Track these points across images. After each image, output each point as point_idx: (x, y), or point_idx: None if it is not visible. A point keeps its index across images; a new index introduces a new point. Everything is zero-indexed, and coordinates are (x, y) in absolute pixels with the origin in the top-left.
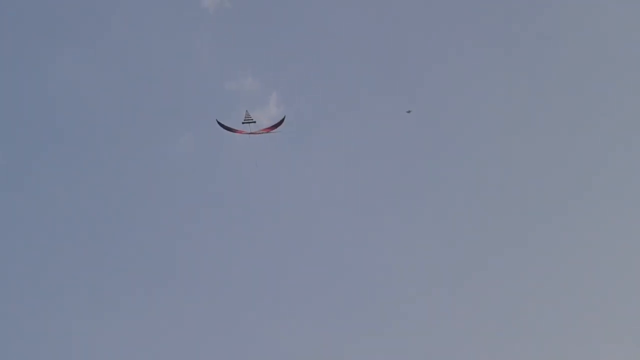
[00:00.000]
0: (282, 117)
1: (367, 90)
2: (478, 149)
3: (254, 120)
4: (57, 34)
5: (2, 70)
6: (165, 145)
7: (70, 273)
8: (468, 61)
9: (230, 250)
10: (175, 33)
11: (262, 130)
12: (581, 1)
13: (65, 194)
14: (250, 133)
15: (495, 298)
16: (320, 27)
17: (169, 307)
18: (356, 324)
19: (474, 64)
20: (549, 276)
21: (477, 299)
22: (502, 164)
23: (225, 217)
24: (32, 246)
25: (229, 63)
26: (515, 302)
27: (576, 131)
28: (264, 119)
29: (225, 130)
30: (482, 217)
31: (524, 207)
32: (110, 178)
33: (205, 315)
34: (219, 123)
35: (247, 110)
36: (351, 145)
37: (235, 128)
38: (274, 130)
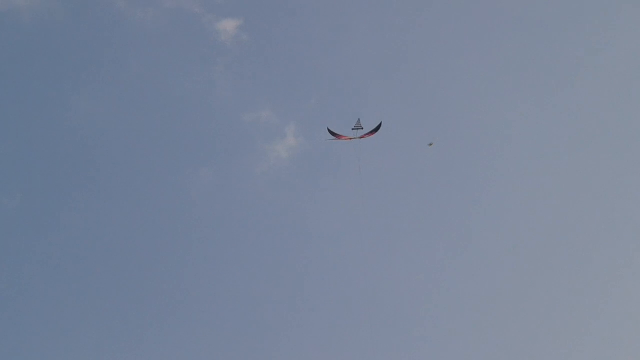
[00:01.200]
0: (379, 122)
1: (386, 121)
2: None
3: (362, 127)
4: (74, 70)
5: (21, 110)
6: (182, 180)
7: (90, 306)
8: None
9: (247, 284)
10: (191, 67)
11: (365, 135)
12: None
13: (83, 230)
14: (356, 138)
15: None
16: (338, 58)
17: (187, 342)
18: None
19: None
20: None
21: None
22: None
23: (243, 253)
24: (50, 283)
25: (246, 96)
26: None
27: None
28: (283, 151)
29: (328, 138)
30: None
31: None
32: (128, 213)
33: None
34: (329, 130)
35: (359, 118)
36: (370, 179)
37: (342, 135)
38: (374, 135)
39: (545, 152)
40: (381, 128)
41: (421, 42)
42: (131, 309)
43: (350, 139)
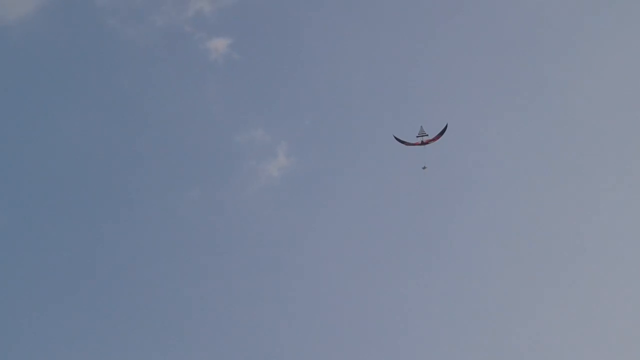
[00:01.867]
0: (445, 124)
1: (377, 142)
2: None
3: (427, 134)
4: (65, 88)
5: (10, 127)
6: (171, 200)
7: (75, 322)
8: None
9: (234, 302)
10: (182, 85)
11: (431, 140)
12: None
13: (70, 247)
14: (422, 144)
15: None
16: (330, 77)
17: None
18: None
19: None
20: None
21: None
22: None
23: (231, 272)
24: (37, 299)
25: (237, 115)
26: None
27: None
28: (274, 170)
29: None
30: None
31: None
32: (117, 231)
33: None
34: (395, 137)
35: (421, 126)
36: (361, 198)
37: (409, 141)
38: (439, 139)
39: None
40: (446, 131)
41: (414, 60)
42: (116, 330)
43: (417, 144)
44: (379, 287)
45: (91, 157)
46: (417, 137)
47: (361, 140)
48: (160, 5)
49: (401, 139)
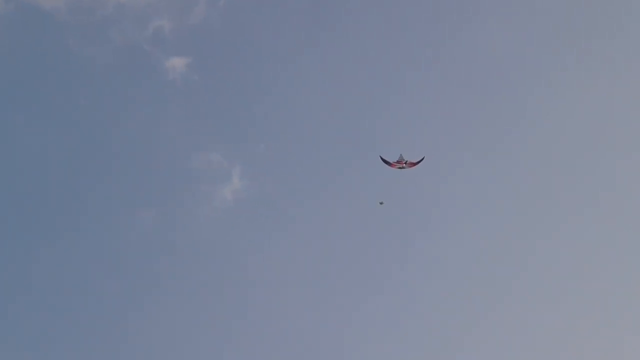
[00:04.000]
0: (423, 157)
1: (331, 169)
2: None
3: (405, 160)
4: (21, 106)
5: None
6: (122, 220)
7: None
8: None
9: (183, 325)
10: (139, 105)
11: (409, 165)
12: None
13: (24, 267)
14: (400, 168)
15: None
16: (287, 102)
17: None
18: None
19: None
20: None
21: None
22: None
23: (181, 295)
24: None
25: (194, 137)
26: None
27: None
28: (228, 193)
29: None
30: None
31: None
32: (63, 253)
33: None
34: (381, 158)
35: (401, 154)
36: (313, 224)
37: (391, 162)
38: (416, 166)
39: None
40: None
41: (372, 88)
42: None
43: (400, 167)
44: (330, 312)
45: (44, 174)
46: (397, 161)
47: (315, 167)
48: (120, 22)
49: (386, 159)
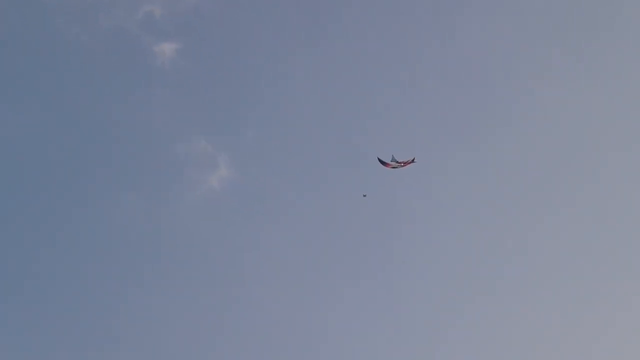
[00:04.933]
0: (413, 157)
1: (320, 159)
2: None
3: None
4: (6, 85)
5: None
6: (107, 203)
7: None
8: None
9: (165, 310)
10: (127, 88)
11: (402, 165)
12: None
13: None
14: (394, 168)
15: None
16: (275, 91)
17: None
18: None
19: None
20: None
21: None
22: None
23: (165, 279)
24: None
25: (181, 123)
26: None
27: None
28: (215, 180)
29: None
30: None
31: None
32: (51, 235)
33: None
34: (379, 159)
35: (393, 155)
36: (299, 213)
37: (387, 162)
38: (408, 165)
39: None
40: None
41: (362, 78)
42: (40, 336)
43: (394, 167)
44: (316, 301)
45: (27, 156)
46: (392, 161)
47: (303, 157)
48: (110, 6)
49: (383, 159)
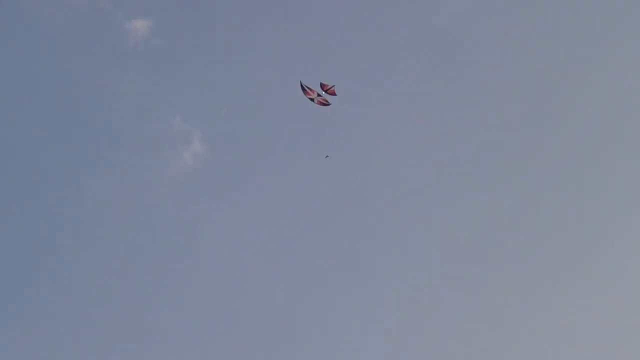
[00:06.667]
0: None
1: (293, 136)
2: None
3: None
4: None
5: None
6: (83, 183)
7: None
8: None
9: (148, 293)
10: (100, 67)
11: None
12: None
13: None
14: (311, 99)
15: None
16: (251, 68)
17: None
18: None
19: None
20: None
21: None
22: None
23: (140, 259)
24: None
25: (154, 100)
26: None
27: None
28: (189, 157)
29: None
30: None
31: None
32: (20, 213)
33: None
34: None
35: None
36: (273, 189)
37: (310, 94)
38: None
39: None
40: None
41: (335, 56)
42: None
43: (311, 98)
44: (288, 280)
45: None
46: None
47: (277, 132)
48: None
49: (306, 85)
